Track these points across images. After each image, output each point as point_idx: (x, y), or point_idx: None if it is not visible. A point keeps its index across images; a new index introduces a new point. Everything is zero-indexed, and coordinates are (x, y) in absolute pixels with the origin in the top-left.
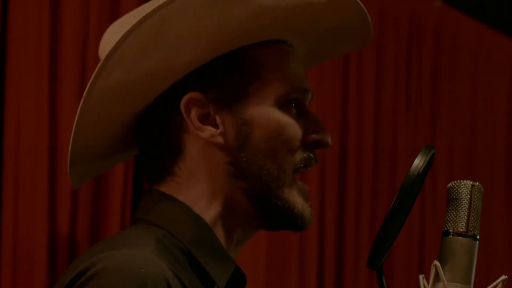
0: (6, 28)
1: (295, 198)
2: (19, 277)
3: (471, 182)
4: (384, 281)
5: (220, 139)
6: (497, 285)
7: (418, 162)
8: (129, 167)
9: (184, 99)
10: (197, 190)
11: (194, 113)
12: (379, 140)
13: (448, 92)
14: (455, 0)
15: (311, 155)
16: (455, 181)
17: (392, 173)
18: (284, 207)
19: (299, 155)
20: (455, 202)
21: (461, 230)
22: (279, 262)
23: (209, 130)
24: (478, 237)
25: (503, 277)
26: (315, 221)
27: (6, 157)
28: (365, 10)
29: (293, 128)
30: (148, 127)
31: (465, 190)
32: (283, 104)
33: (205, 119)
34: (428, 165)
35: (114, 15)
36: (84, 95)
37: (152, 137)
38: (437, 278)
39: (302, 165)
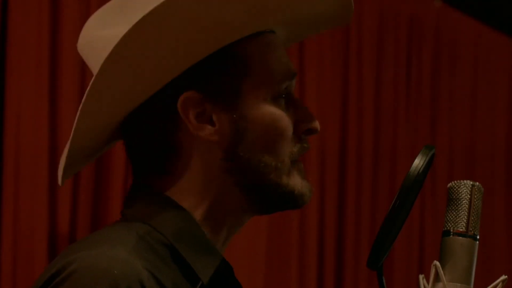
0: (6, 28)
1: (295, 181)
2: (19, 276)
3: (471, 182)
4: (384, 281)
5: (217, 137)
6: (497, 285)
7: (418, 162)
8: (130, 167)
9: (181, 99)
10: (189, 187)
11: (191, 112)
12: (379, 140)
13: (448, 92)
14: (455, 0)
15: (304, 144)
16: (455, 181)
17: (392, 173)
18: (285, 193)
19: (294, 145)
20: (455, 202)
21: (461, 230)
22: (279, 262)
23: (207, 128)
24: (478, 237)
25: (503, 277)
26: (315, 221)
27: (6, 157)
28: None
29: (285, 120)
30: (141, 125)
31: (465, 190)
32: (275, 97)
33: (201, 117)
34: (428, 165)
35: None
36: (83, 101)
37: (145, 135)
38: (437, 278)
39: (298, 154)
